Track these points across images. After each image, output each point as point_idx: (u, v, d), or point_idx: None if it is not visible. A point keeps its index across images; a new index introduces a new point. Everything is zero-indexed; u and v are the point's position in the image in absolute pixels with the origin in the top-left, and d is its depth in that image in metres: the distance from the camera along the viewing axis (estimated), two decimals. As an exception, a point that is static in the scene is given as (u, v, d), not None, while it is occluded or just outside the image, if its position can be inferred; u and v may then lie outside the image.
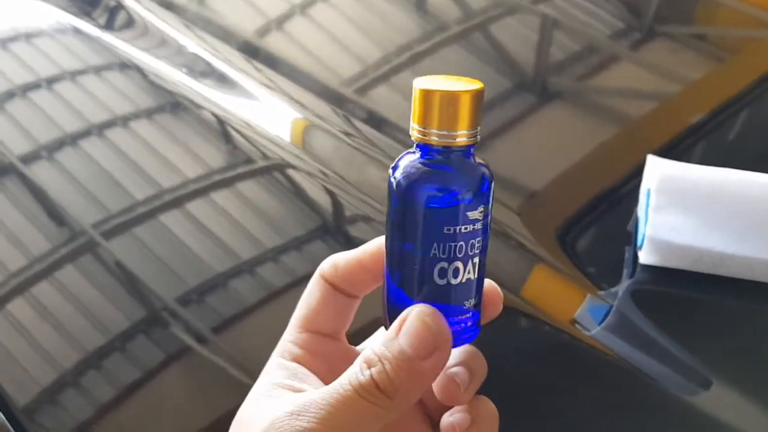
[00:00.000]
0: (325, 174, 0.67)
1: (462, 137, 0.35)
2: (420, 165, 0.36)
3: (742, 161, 0.65)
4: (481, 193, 0.36)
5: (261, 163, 0.70)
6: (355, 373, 0.35)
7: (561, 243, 0.60)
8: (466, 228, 0.36)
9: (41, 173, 0.71)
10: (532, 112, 0.76)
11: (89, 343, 0.56)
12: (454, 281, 0.36)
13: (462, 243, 0.36)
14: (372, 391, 0.34)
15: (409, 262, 0.37)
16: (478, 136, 0.36)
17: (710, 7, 0.89)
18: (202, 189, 0.68)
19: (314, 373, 0.39)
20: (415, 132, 0.36)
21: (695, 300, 0.57)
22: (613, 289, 0.55)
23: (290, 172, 0.69)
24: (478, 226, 0.36)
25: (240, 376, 0.54)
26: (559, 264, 0.58)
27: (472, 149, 0.36)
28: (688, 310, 0.56)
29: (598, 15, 0.85)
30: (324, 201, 0.67)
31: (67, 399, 0.54)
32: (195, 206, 0.67)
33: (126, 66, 0.79)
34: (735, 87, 0.75)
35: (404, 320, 0.36)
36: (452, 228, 0.36)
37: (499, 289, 0.39)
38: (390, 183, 0.37)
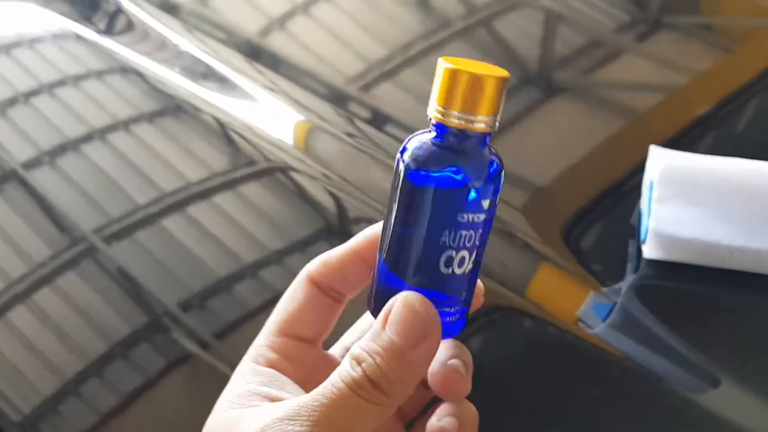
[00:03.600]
0: (328, 177, 0.66)
1: (481, 123, 0.34)
2: (433, 145, 0.35)
3: (751, 152, 0.64)
4: (492, 184, 0.35)
5: (264, 165, 0.69)
6: (346, 371, 0.33)
7: (566, 240, 0.60)
8: (477, 217, 0.35)
9: (43, 179, 0.70)
10: (537, 107, 0.75)
11: (91, 350, 0.56)
12: (458, 270, 0.35)
13: (472, 232, 0.35)
14: (366, 388, 0.33)
15: (412, 247, 0.35)
16: (497, 126, 0.35)
17: (717, -4, 0.88)
18: (205, 192, 0.67)
19: (291, 380, 0.37)
20: (434, 111, 0.35)
21: (701, 295, 0.55)
22: (616, 286, 0.54)
23: (293, 175, 0.69)
24: (486, 216, 0.35)
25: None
26: (564, 262, 0.57)
27: (488, 139, 0.36)
28: (695, 306, 0.55)
29: (602, 8, 0.84)
30: (328, 204, 0.66)
31: (69, 408, 0.53)
32: (197, 209, 0.67)
33: (127, 70, 0.79)
34: (743, 77, 0.74)
35: (390, 310, 0.34)
36: (465, 215, 0.35)
37: (480, 282, 0.38)
38: (397, 162, 0.36)
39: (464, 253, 0.35)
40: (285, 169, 0.69)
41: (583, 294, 0.54)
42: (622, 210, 0.61)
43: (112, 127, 0.74)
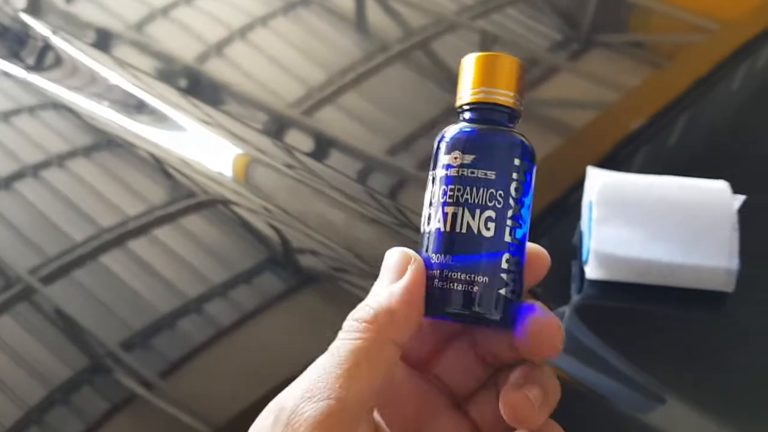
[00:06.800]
0: (268, 210, 0.66)
1: (499, 96, 0.37)
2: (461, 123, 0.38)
3: (684, 165, 0.65)
4: (485, 149, 0.36)
5: (203, 198, 0.68)
6: (343, 329, 0.35)
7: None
8: (442, 172, 0.36)
9: (-26, 220, 0.68)
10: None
11: (30, 397, 0.54)
12: (426, 228, 0.37)
13: (435, 189, 0.37)
14: (358, 328, 0.34)
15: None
16: (518, 105, 0.37)
17: (645, 14, 0.90)
18: (143, 226, 0.66)
19: None
20: (460, 97, 0.38)
21: (645, 313, 0.56)
22: (560, 309, 0.55)
23: (234, 208, 0.68)
24: (463, 173, 0.36)
25: (192, 422, 0.52)
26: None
27: (514, 120, 0.38)
28: (639, 324, 0.56)
29: (535, 28, 0.85)
30: (270, 235, 0.66)
31: (9, 459, 0.52)
32: (137, 245, 0.65)
33: (59, 106, 0.77)
34: (673, 92, 0.76)
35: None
36: (441, 170, 0.37)
37: (545, 253, 0.38)
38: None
39: (430, 210, 0.37)
40: (225, 202, 0.68)
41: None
42: (563, 230, 0.61)
43: (46, 163, 0.72)
